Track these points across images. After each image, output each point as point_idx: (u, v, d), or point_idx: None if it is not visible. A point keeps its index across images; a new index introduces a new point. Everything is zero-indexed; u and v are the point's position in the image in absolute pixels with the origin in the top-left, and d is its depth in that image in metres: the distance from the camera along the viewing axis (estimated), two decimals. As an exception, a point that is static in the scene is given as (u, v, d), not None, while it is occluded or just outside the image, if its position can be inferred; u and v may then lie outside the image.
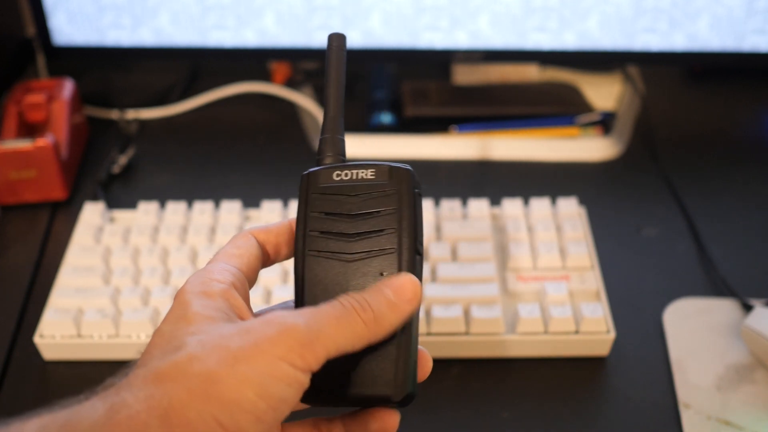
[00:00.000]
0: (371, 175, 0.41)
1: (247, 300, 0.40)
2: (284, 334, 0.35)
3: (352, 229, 0.41)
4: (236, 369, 0.34)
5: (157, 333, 0.37)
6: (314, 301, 0.40)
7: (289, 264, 0.66)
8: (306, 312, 0.36)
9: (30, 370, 0.63)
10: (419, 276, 0.41)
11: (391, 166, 0.42)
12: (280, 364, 0.34)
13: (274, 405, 0.34)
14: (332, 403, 0.41)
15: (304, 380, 0.35)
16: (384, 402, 0.40)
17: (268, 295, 0.64)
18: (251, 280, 0.41)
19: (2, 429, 0.33)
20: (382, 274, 0.40)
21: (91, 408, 0.34)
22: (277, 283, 0.65)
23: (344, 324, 0.37)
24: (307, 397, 0.40)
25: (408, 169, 0.42)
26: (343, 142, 0.44)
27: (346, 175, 0.42)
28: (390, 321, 0.38)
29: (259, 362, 0.34)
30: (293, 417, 0.42)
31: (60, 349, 0.63)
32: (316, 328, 0.36)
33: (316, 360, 0.35)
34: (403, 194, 0.41)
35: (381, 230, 0.40)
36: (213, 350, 0.34)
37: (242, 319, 0.38)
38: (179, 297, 0.38)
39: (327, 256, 0.41)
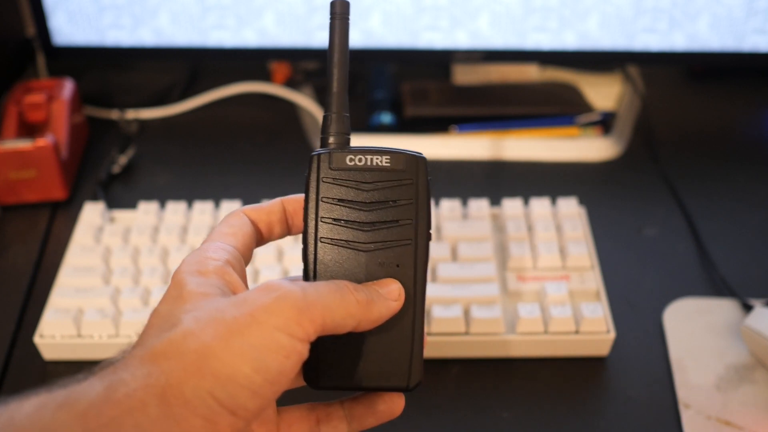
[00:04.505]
0: (386, 163, 0.41)
1: (243, 278, 0.40)
2: (281, 300, 0.35)
3: (367, 219, 0.41)
4: (231, 342, 0.34)
5: (153, 314, 0.37)
6: None
7: (291, 266, 0.66)
8: (302, 282, 0.37)
9: (30, 370, 0.63)
10: (427, 259, 0.41)
11: (408, 154, 0.41)
12: (276, 335, 0.34)
13: (272, 378, 0.34)
14: (343, 387, 0.41)
15: (303, 350, 0.35)
16: (397, 389, 0.41)
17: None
18: (246, 257, 0.41)
19: (0, 407, 0.33)
20: (398, 266, 0.40)
21: (89, 387, 0.34)
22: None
23: (339, 298, 0.37)
24: (317, 381, 0.40)
25: (423, 158, 0.41)
26: (348, 119, 0.42)
27: (360, 160, 0.41)
28: (379, 309, 0.39)
29: (255, 334, 0.34)
30: (289, 401, 0.42)
31: (60, 349, 0.63)
32: (313, 297, 0.36)
33: (314, 328, 0.35)
34: (420, 185, 0.41)
35: (397, 221, 0.40)
36: (207, 324, 0.34)
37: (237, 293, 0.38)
38: (175, 277, 0.38)
39: (340, 245, 0.41)
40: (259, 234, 0.43)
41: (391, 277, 0.40)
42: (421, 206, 0.41)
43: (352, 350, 0.40)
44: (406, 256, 0.40)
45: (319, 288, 0.37)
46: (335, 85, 0.42)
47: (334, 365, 0.40)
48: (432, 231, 0.43)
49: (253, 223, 0.42)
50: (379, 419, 0.42)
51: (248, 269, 0.50)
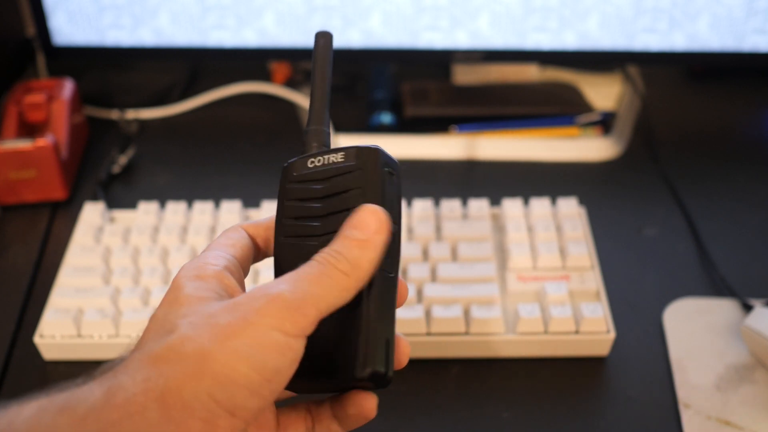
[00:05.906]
0: (341, 158, 0.41)
1: (242, 286, 0.40)
2: (271, 304, 0.35)
3: (320, 212, 0.41)
4: (227, 344, 0.34)
5: (151, 318, 0.37)
6: None
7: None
8: (286, 278, 0.36)
9: (30, 370, 0.63)
10: (392, 253, 0.40)
11: (359, 147, 0.41)
12: (271, 333, 0.34)
13: (269, 377, 0.34)
14: (313, 390, 0.40)
15: (297, 347, 0.35)
16: (350, 380, 0.39)
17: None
18: (245, 269, 0.42)
19: (0, 412, 0.33)
20: None
21: (88, 391, 0.34)
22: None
23: (326, 280, 0.36)
24: (291, 385, 0.39)
25: (375, 148, 0.41)
26: (327, 134, 0.44)
27: (319, 161, 0.42)
28: (368, 259, 0.38)
29: (250, 334, 0.34)
30: (287, 402, 0.42)
31: (60, 349, 0.63)
32: (301, 292, 0.36)
33: (308, 322, 0.35)
34: (369, 172, 0.40)
35: (347, 209, 0.40)
36: (203, 329, 0.34)
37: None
38: (173, 282, 0.38)
39: (298, 241, 0.41)
40: (257, 248, 0.43)
41: None
42: (370, 191, 0.40)
43: (314, 349, 0.38)
44: None
45: (304, 279, 0.36)
46: (316, 102, 0.44)
47: (303, 368, 0.37)
48: (402, 224, 0.42)
49: (251, 238, 0.43)
50: (356, 421, 0.40)
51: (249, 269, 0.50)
